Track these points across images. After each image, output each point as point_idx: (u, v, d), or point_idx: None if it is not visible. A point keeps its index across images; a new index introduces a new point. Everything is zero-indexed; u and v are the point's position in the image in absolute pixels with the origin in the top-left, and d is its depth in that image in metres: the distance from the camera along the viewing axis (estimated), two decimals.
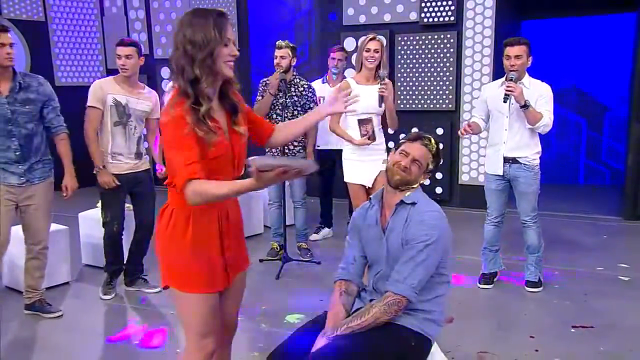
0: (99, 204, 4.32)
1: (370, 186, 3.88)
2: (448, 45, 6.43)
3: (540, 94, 3.76)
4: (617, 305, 3.74)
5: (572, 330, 3.38)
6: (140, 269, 4.17)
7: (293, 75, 4.58)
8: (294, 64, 4.52)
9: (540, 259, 4.04)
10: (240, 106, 1.99)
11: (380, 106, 3.80)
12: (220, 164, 1.89)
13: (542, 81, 3.88)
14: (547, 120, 3.72)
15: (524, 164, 3.84)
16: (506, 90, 3.67)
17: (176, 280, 1.97)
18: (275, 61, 4.45)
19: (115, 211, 3.87)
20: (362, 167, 3.86)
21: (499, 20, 6.30)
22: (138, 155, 3.89)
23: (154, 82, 7.70)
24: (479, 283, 4.14)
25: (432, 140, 2.24)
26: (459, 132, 3.91)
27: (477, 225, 6.15)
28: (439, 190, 6.71)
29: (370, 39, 3.81)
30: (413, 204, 2.14)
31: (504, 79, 3.83)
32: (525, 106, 3.67)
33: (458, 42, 6.40)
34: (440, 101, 6.57)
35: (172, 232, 1.94)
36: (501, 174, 3.90)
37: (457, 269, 4.54)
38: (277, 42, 4.50)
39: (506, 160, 3.87)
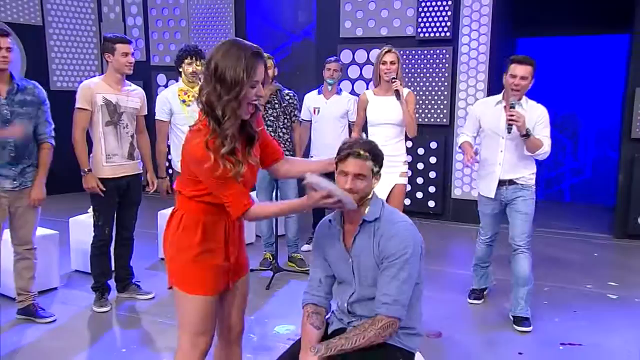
0: (90, 210, 4.33)
1: (384, 198, 3.83)
2: (443, 61, 6.48)
3: (537, 118, 3.53)
4: (605, 323, 3.75)
5: (561, 347, 3.39)
6: (130, 274, 4.14)
7: (276, 83, 4.61)
8: (276, 74, 4.57)
9: (531, 292, 3.72)
10: (257, 135, 2.01)
11: (398, 99, 3.82)
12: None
13: (538, 102, 3.70)
14: (546, 148, 3.50)
15: (522, 184, 3.62)
16: (509, 120, 3.39)
17: (180, 282, 2.07)
18: None
19: (107, 216, 3.85)
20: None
21: (495, 36, 6.36)
22: (131, 156, 3.85)
23: (149, 89, 7.70)
24: (469, 298, 4.10)
25: (361, 149, 2.01)
26: (467, 163, 3.62)
27: (469, 239, 6.17)
28: (431, 204, 6.73)
29: (387, 52, 3.84)
30: (376, 219, 2.05)
31: (500, 97, 3.65)
32: (526, 135, 3.42)
33: (453, 57, 6.45)
34: (435, 115, 6.61)
35: (181, 236, 2.04)
36: (493, 196, 3.68)
37: (448, 284, 4.56)
38: None
39: (502, 183, 3.64)
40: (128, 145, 3.83)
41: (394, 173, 3.84)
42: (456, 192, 6.67)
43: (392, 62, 3.82)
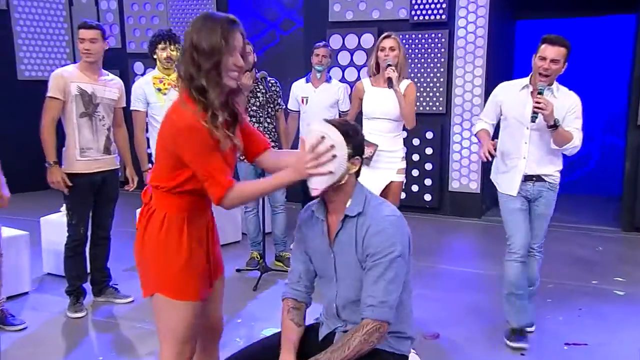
0: (63, 208, 4.28)
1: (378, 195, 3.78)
2: (439, 45, 6.49)
3: (569, 108, 3.24)
4: (612, 321, 3.79)
5: (565, 347, 3.42)
6: (107, 276, 4.12)
7: (262, 71, 4.59)
8: (256, 60, 4.54)
9: (535, 293, 3.62)
10: (240, 115, 2.03)
11: (389, 87, 3.65)
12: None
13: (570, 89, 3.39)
14: (577, 142, 3.22)
15: (549, 182, 3.35)
16: (535, 108, 3.13)
17: (167, 288, 2.02)
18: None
19: (82, 214, 3.81)
20: (370, 175, 3.67)
21: (493, 19, 6.38)
22: (107, 151, 3.82)
23: (126, 78, 7.63)
24: (509, 341, 3.40)
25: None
26: (483, 157, 3.25)
27: (467, 234, 6.22)
28: (427, 197, 6.75)
29: (385, 37, 3.75)
30: (359, 214, 1.98)
31: (526, 80, 3.36)
32: (554, 126, 3.15)
33: (449, 41, 6.46)
34: (430, 103, 6.62)
35: (167, 238, 1.99)
36: (515, 194, 3.37)
37: (445, 281, 4.58)
38: None
39: (527, 178, 3.34)
40: (104, 139, 3.80)
41: (390, 169, 3.80)
42: (454, 185, 6.70)
43: (391, 48, 3.71)
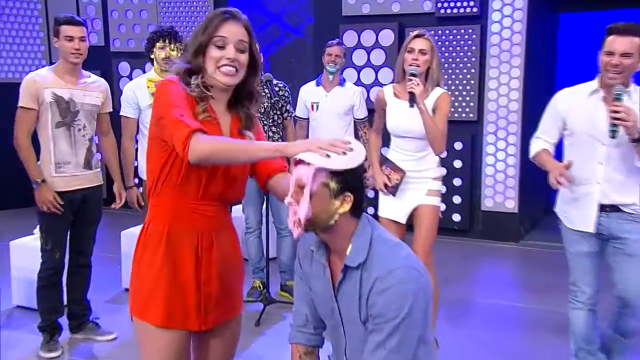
0: (37, 230, 4.30)
1: (404, 222, 3.72)
2: (470, 42, 6.51)
3: None
4: None
5: None
6: (86, 309, 4.13)
7: (266, 73, 4.63)
8: (262, 60, 4.58)
9: (629, 347, 3.28)
10: (253, 117, 2.15)
11: (411, 106, 3.47)
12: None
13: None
14: None
15: (630, 213, 3.04)
16: (613, 118, 2.84)
17: (138, 306, 2.07)
18: None
19: (58, 238, 3.82)
20: (397, 197, 3.67)
21: (532, 11, 6.40)
22: (88, 165, 3.84)
23: (109, 80, 7.64)
24: None
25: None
26: (555, 183, 2.97)
27: (503, 260, 6.19)
28: (456, 217, 6.74)
29: (415, 36, 3.57)
30: (361, 265, 1.89)
31: (595, 84, 3.11)
32: (639, 140, 2.87)
33: (482, 38, 6.48)
34: (460, 110, 6.62)
35: (143, 250, 2.07)
36: (592, 230, 3.08)
37: (476, 316, 4.55)
38: None
39: (602, 208, 3.06)
40: (85, 151, 3.80)
41: (417, 190, 3.67)
42: (487, 203, 6.68)
43: (422, 51, 3.51)
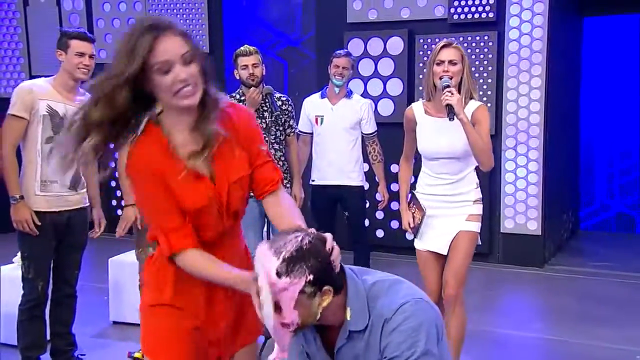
0: (17, 258, 4.33)
1: (445, 254, 3.62)
2: (486, 50, 6.56)
3: None
4: None
5: None
6: (71, 344, 4.12)
7: (266, 86, 4.68)
8: (264, 73, 4.64)
9: None
10: (212, 138, 1.97)
11: (451, 120, 3.39)
12: (203, 215, 2.03)
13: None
14: None
15: None
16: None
17: (148, 347, 2.11)
18: (246, 72, 4.53)
19: (41, 265, 3.81)
20: (435, 225, 3.61)
21: (554, 16, 6.45)
22: (74, 186, 3.86)
23: None
24: None
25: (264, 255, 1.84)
26: None
27: (526, 287, 6.18)
28: None
29: (443, 46, 3.52)
30: (367, 328, 1.94)
31: None
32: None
33: (499, 45, 6.53)
34: None
35: (149, 283, 2.13)
36: None
37: (500, 349, 4.55)
38: (240, 49, 4.60)
39: None
40: (72, 172, 3.83)
41: (457, 216, 3.58)
42: (507, 225, 6.69)
43: (452, 62, 3.46)
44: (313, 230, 1.91)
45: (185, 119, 1.97)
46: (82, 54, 3.75)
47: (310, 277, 1.79)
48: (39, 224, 3.71)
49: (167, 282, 2.07)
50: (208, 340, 2.12)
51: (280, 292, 1.79)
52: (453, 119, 3.35)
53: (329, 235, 1.88)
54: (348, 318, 1.93)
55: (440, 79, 3.44)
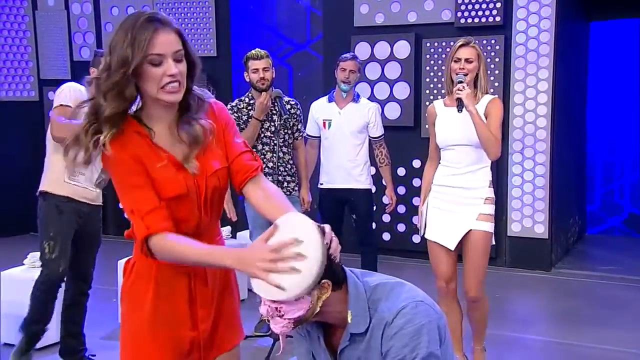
0: (27, 260, 4.42)
1: (453, 249, 3.79)
2: (493, 54, 6.58)
3: None
4: None
5: None
6: (81, 344, 4.17)
7: (275, 89, 4.72)
8: (274, 76, 4.68)
9: None
10: (202, 136, 2.02)
11: (459, 111, 3.66)
12: (181, 205, 2.01)
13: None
14: None
15: None
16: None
17: (130, 356, 2.09)
18: (256, 76, 4.59)
19: (64, 246, 3.91)
20: (447, 219, 3.77)
21: (561, 20, 6.48)
22: (96, 184, 3.96)
23: None
24: None
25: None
26: None
27: (534, 291, 6.18)
28: None
29: (461, 45, 3.76)
30: (367, 330, 1.95)
31: None
32: None
33: (506, 49, 6.56)
34: None
35: (130, 293, 2.09)
36: None
37: (508, 352, 4.56)
38: (251, 52, 4.66)
39: None
40: (98, 171, 3.93)
41: (468, 214, 3.74)
42: (514, 229, 6.71)
43: (468, 60, 3.70)
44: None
45: (164, 115, 2.00)
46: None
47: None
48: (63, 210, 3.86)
49: (145, 293, 2.05)
50: (189, 346, 2.10)
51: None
52: (462, 110, 3.63)
53: (327, 227, 1.87)
54: (349, 321, 1.94)
55: (458, 75, 3.69)
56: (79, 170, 3.83)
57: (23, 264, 4.68)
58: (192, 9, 7.76)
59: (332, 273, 1.87)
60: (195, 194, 2.02)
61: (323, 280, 1.84)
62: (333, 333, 2.03)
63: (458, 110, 3.66)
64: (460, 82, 3.65)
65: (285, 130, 4.71)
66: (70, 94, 3.84)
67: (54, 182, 3.89)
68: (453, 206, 3.76)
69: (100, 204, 4.09)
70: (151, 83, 1.91)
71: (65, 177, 3.86)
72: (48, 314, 4.01)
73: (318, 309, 1.88)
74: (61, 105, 3.81)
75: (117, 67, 1.87)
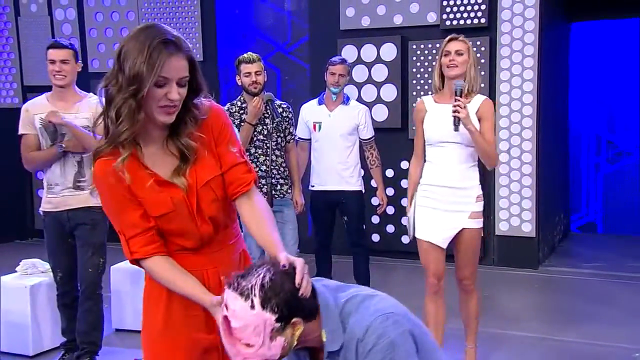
0: (19, 267, 4.50)
1: (444, 247, 3.81)
2: (478, 55, 6.63)
3: None
4: None
5: None
6: (86, 344, 4.16)
7: (266, 92, 4.77)
8: (266, 80, 4.74)
9: None
10: (191, 153, 2.04)
11: (456, 130, 3.63)
12: (173, 221, 2.05)
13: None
14: None
15: None
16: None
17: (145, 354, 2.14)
18: (248, 79, 4.64)
19: (53, 257, 4.12)
20: (438, 218, 3.78)
21: (545, 22, 6.57)
22: (77, 187, 4.06)
23: None
24: None
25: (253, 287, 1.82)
26: None
27: (522, 289, 6.24)
28: None
29: (451, 39, 3.76)
30: (342, 347, 1.92)
31: None
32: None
33: (491, 50, 6.64)
34: None
35: (146, 297, 2.16)
36: None
37: (499, 350, 4.61)
38: (243, 56, 4.71)
39: None
40: (73, 174, 4.06)
41: (460, 212, 3.77)
42: (501, 227, 6.79)
43: (458, 52, 3.69)
44: (281, 257, 1.89)
45: (155, 132, 2.02)
46: (53, 62, 3.97)
47: (275, 316, 1.80)
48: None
49: (160, 297, 2.10)
50: (206, 349, 2.13)
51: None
52: (458, 129, 3.58)
53: (299, 263, 1.87)
54: (324, 339, 1.93)
55: (449, 67, 3.68)
56: (54, 182, 4.05)
57: (15, 271, 4.68)
58: (177, 13, 7.78)
59: (302, 310, 1.87)
60: (187, 208, 2.04)
61: (294, 320, 1.84)
62: (318, 351, 2.02)
63: (455, 129, 3.61)
64: (460, 91, 3.62)
65: (278, 134, 4.76)
66: (22, 121, 4.05)
67: (42, 202, 4.14)
68: (444, 205, 3.75)
69: (94, 204, 3.98)
70: (150, 102, 1.91)
71: (45, 192, 4.10)
72: (70, 325, 4.22)
73: (296, 342, 1.88)
74: (20, 136, 4.07)
75: (129, 81, 1.88)
